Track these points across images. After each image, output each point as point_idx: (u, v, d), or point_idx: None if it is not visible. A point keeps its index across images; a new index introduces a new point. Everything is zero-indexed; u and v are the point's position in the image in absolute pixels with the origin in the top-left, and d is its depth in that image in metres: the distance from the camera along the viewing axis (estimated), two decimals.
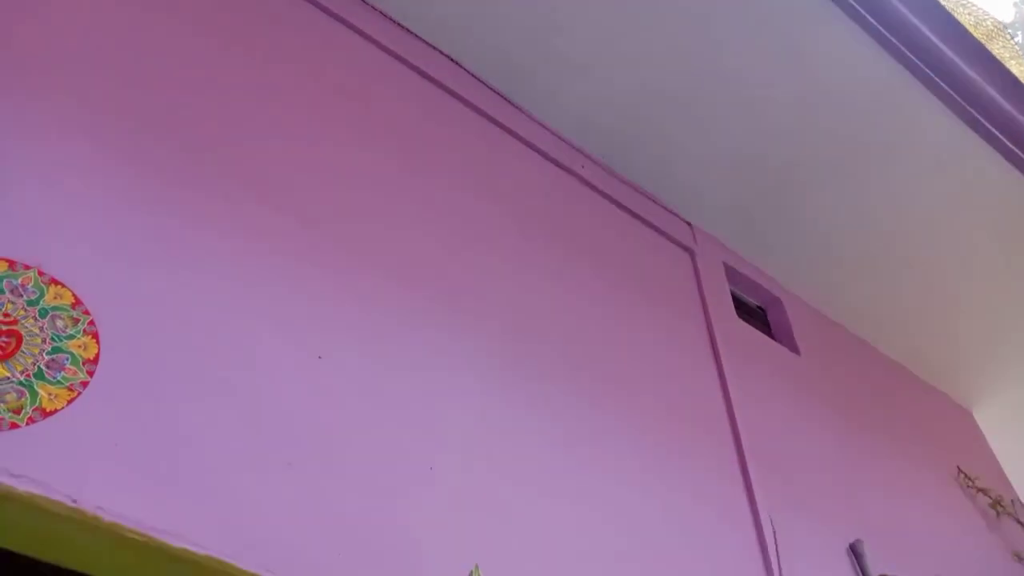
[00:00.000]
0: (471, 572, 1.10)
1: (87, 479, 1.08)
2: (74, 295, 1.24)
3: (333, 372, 1.50)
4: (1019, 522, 3.11)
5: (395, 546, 1.34)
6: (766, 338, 2.98)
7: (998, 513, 3.06)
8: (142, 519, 1.09)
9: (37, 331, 1.16)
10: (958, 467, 3.15)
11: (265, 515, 1.23)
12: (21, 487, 1.02)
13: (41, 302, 1.20)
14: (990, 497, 3.08)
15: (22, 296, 1.18)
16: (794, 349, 3.03)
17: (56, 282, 1.23)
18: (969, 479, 3.11)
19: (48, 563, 0.97)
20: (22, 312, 1.17)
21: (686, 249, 2.95)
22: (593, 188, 2.75)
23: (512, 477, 1.63)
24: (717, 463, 2.16)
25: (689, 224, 3.09)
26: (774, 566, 1.95)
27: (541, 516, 1.60)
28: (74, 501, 1.04)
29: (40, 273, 1.22)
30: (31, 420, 1.08)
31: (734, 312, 2.94)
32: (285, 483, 1.29)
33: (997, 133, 2.68)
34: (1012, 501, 3.21)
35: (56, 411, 1.11)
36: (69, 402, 1.13)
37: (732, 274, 3.11)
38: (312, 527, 1.26)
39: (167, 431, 1.21)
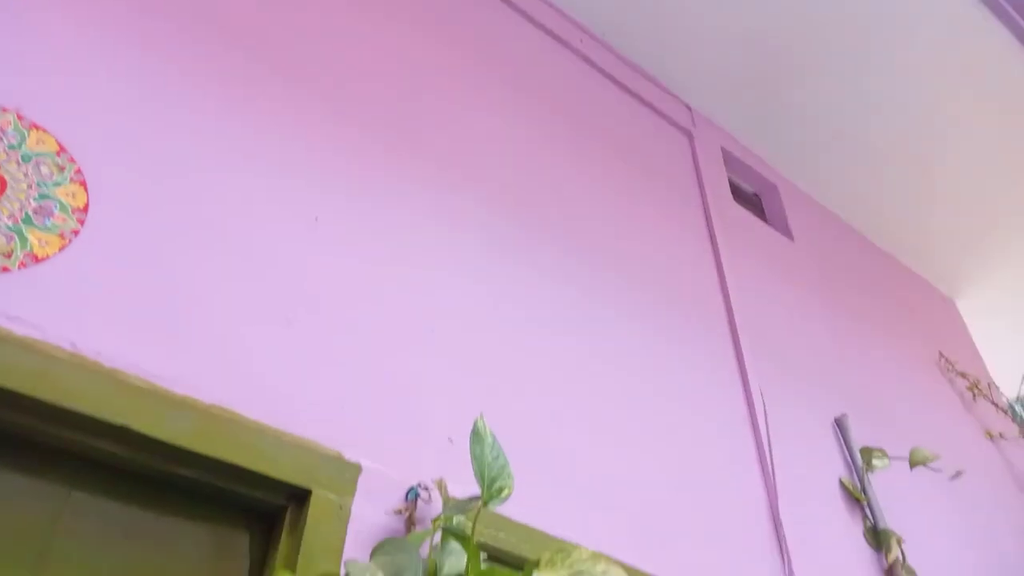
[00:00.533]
0: (475, 421, 1.10)
1: (84, 325, 1.06)
2: (57, 142, 1.18)
3: (331, 233, 1.46)
4: (994, 403, 3.22)
5: (399, 399, 1.34)
6: (761, 223, 2.97)
7: (974, 395, 3.16)
8: (143, 367, 1.08)
9: (22, 176, 1.11)
10: (940, 352, 3.23)
11: (268, 368, 1.22)
12: (18, 330, 0.99)
13: (23, 147, 1.13)
14: (968, 380, 3.17)
15: (1, 140, 1.12)
16: (788, 235, 3.03)
17: (37, 127, 1.17)
18: (949, 363, 3.19)
19: (49, 403, 0.95)
20: (3, 156, 1.11)
21: (684, 132, 2.89)
22: (591, 64, 2.65)
23: (513, 339, 1.63)
24: (711, 339, 2.18)
25: (688, 107, 3.01)
26: (763, 436, 2.00)
27: (541, 378, 1.62)
28: (73, 345, 1.03)
29: (19, 117, 1.15)
30: (23, 264, 1.04)
31: (731, 196, 2.91)
32: (286, 339, 1.27)
33: (1008, 7, 2.59)
34: (988, 384, 3.32)
35: (48, 257, 1.07)
36: (61, 249, 1.09)
37: (729, 159, 3.06)
38: (315, 381, 1.26)
39: (164, 283, 1.18)
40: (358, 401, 1.29)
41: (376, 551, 1.03)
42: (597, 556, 0.89)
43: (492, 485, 1.05)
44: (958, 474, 2.29)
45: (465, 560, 1.07)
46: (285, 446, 1.14)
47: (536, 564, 0.89)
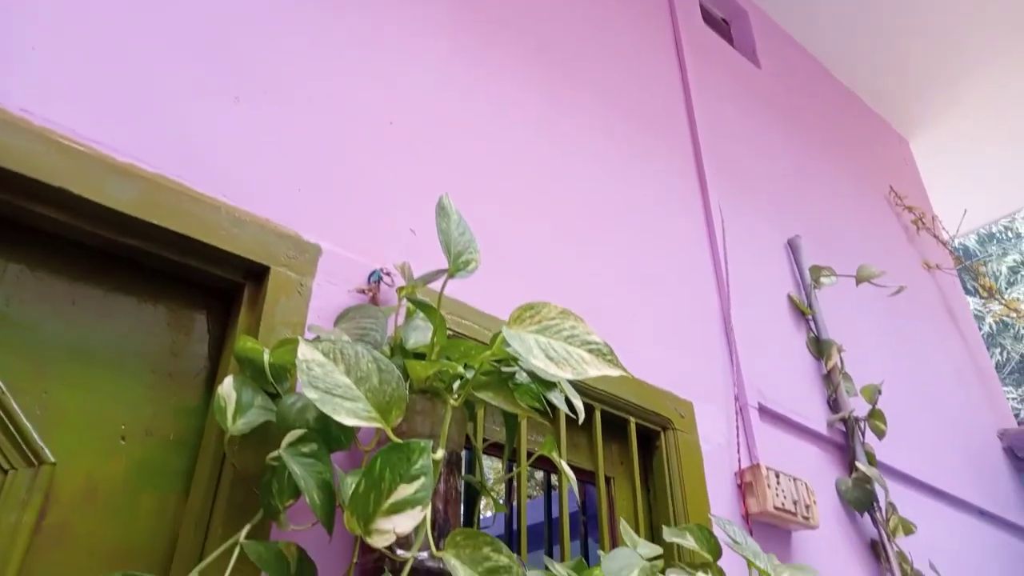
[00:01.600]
0: (440, 198, 1.06)
1: (5, 81, 0.96)
2: None
3: (292, 19, 1.33)
4: (935, 237, 3.34)
5: (357, 188, 1.29)
6: (729, 48, 2.87)
7: (918, 229, 3.27)
8: (81, 131, 0.99)
9: None
10: (890, 186, 3.29)
11: (220, 145, 1.14)
12: None
13: None
14: (914, 214, 3.26)
15: None
16: (755, 62, 2.95)
17: None
18: (898, 197, 3.26)
19: None
20: None
21: None
22: None
23: (476, 138, 1.57)
24: (674, 156, 2.15)
25: None
26: (719, 250, 2.03)
27: (504, 177, 1.57)
28: None
29: None
30: None
31: (701, 19, 2.79)
32: (238, 117, 1.19)
33: None
34: (932, 218, 3.42)
35: None
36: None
37: None
38: (269, 161, 1.19)
39: (94, 41, 1.07)
40: (315, 185, 1.23)
41: (340, 318, 1.02)
42: (566, 313, 0.89)
43: (459, 258, 1.02)
44: (900, 289, 2.40)
45: (430, 334, 1.07)
46: (239, 222, 1.09)
47: (506, 322, 0.88)
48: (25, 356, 0.92)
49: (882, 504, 1.87)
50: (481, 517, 1.28)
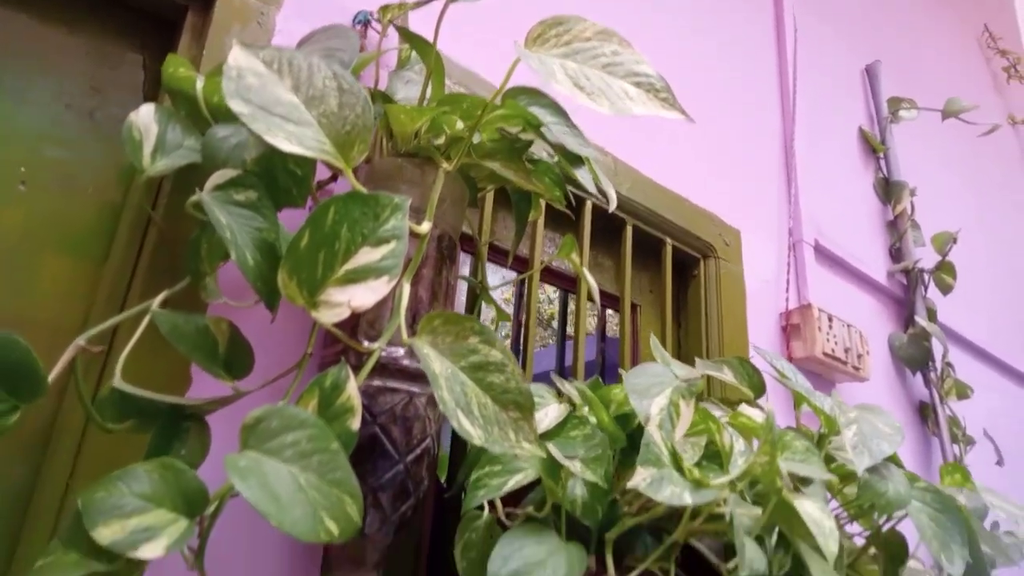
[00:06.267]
0: None
1: None
2: None
3: None
4: None
5: None
6: None
7: (1008, 77, 2.86)
8: None
9: None
10: (984, 25, 2.85)
11: None
12: None
13: None
14: (1008, 60, 2.84)
15: None
16: None
17: None
18: (993, 39, 2.83)
19: None
20: None
21: None
22: None
23: None
24: None
25: None
26: (788, 70, 1.71)
27: None
28: None
29: None
30: None
31: None
32: None
33: None
34: None
35: None
36: None
37: None
38: None
39: None
40: None
41: (302, 42, 0.77)
42: (607, 33, 0.63)
43: None
44: (994, 128, 2.07)
45: (419, 88, 0.82)
46: None
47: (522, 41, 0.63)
48: None
49: (938, 364, 1.66)
50: None
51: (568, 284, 1.20)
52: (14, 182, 0.74)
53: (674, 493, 0.56)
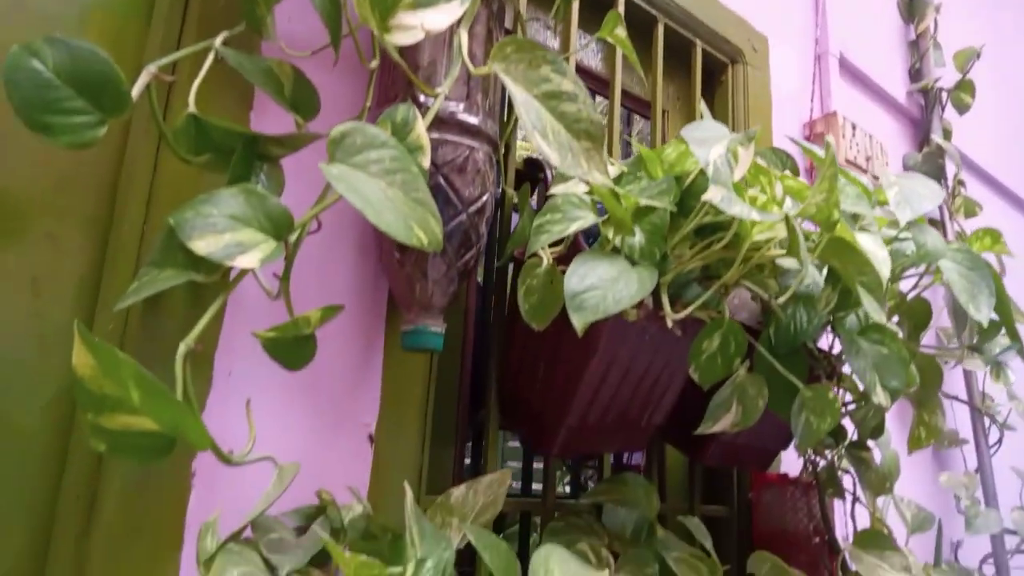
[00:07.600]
0: None
1: None
2: None
3: None
4: None
5: None
6: None
7: None
8: None
9: None
10: None
11: None
12: None
13: None
14: None
15: None
16: None
17: None
18: None
19: None
20: None
21: None
22: None
23: None
24: None
25: None
26: None
27: None
28: None
29: None
30: None
31: None
32: None
33: None
34: None
35: None
36: None
37: None
38: None
39: None
40: None
41: None
42: None
43: None
44: None
45: None
46: None
47: None
48: None
49: (950, 182, 1.69)
50: None
51: (597, 85, 1.19)
52: None
53: (743, 210, 0.58)
